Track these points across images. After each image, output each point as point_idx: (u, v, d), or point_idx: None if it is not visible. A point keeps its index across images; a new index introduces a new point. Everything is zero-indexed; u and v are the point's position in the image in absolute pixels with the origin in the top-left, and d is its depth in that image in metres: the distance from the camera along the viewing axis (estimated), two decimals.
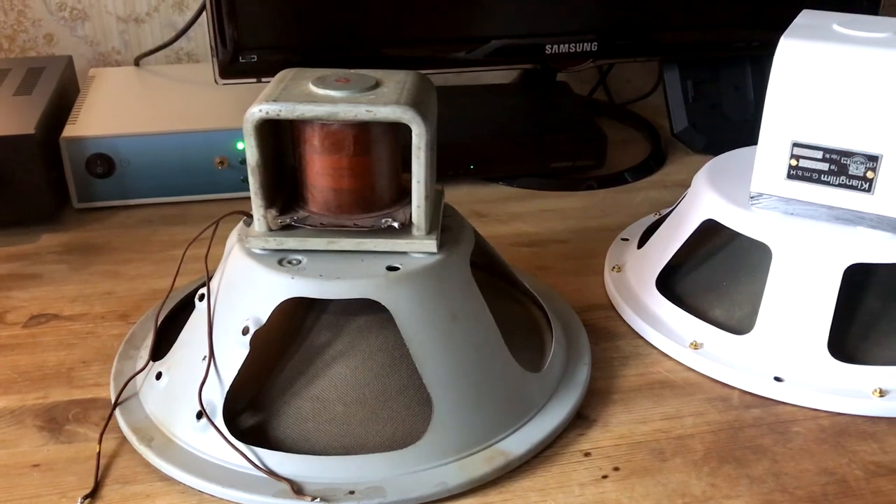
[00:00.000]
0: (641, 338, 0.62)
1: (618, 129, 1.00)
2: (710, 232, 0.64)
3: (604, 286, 0.68)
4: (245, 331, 0.48)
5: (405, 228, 0.51)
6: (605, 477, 0.49)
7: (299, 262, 0.50)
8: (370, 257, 0.50)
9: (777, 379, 0.56)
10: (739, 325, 0.60)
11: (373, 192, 0.52)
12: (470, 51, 0.86)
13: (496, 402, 0.51)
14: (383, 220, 0.51)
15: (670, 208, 0.73)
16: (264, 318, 0.48)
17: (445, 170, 0.84)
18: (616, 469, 0.50)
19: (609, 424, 0.53)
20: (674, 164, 0.92)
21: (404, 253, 0.51)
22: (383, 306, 0.49)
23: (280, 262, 0.50)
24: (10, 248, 0.73)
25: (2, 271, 0.70)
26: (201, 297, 0.53)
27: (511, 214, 0.81)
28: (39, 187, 0.75)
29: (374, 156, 0.51)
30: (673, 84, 0.94)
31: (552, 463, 0.50)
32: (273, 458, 0.47)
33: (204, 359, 0.50)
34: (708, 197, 0.63)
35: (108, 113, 0.83)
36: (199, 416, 0.49)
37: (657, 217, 0.76)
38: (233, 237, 0.53)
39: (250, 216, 0.52)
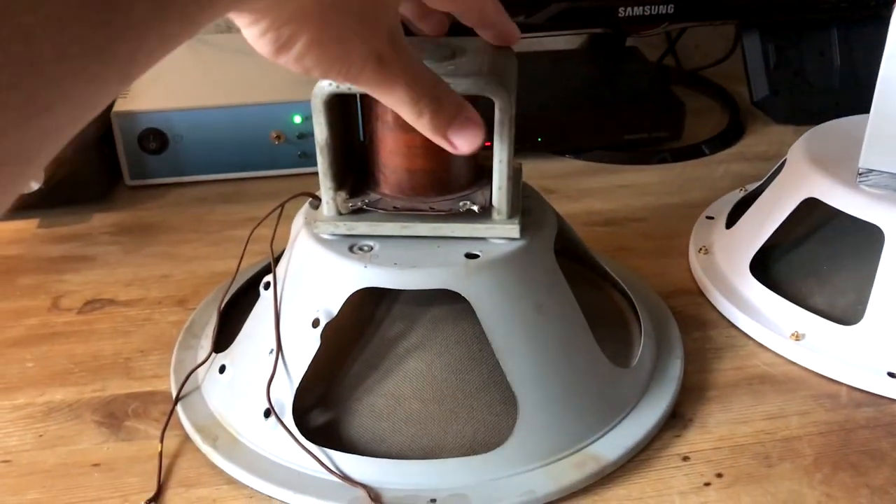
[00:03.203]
0: (735, 327, 0.57)
1: (691, 97, 0.93)
2: (807, 210, 0.58)
3: (689, 269, 0.63)
4: (315, 323, 0.45)
5: (484, 212, 0.47)
6: (707, 484, 0.45)
7: (371, 248, 0.46)
8: (447, 243, 0.46)
9: (891, 375, 0.51)
10: (844, 314, 0.55)
11: (449, 173, 0.48)
12: (530, 14, 0.81)
13: (586, 400, 0.47)
14: (461, 203, 0.47)
15: (757, 183, 0.68)
16: (335, 310, 0.45)
17: None
18: (719, 476, 0.46)
19: (707, 425, 0.49)
20: (754, 134, 0.86)
21: (484, 239, 0.47)
22: (459, 295, 0.45)
23: (351, 249, 0.46)
24: (63, 228, 0.71)
25: (55, 253, 0.67)
26: (266, 286, 0.49)
27: (582, 190, 0.76)
28: (91, 165, 0.72)
29: None
30: (753, 49, 0.88)
31: (648, 468, 0.46)
32: (347, 462, 0.44)
33: (271, 352, 0.46)
34: (808, 173, 0.57)
35: (160, 86, 0.80)
36: (267, 414, 0.45)
37: (744, 193, 0.70)
38: (298, 221, 0.49)
39: (317, 198, 0.48)
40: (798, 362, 0.54)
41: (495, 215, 0.46)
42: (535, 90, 0.84)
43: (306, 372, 0.45)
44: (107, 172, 0.75)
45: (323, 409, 0.47)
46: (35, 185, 0.68)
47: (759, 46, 0.88)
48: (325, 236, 0.47)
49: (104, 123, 0.73)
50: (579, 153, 0.82)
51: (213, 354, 0.51)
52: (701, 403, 0.51)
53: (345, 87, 0.43)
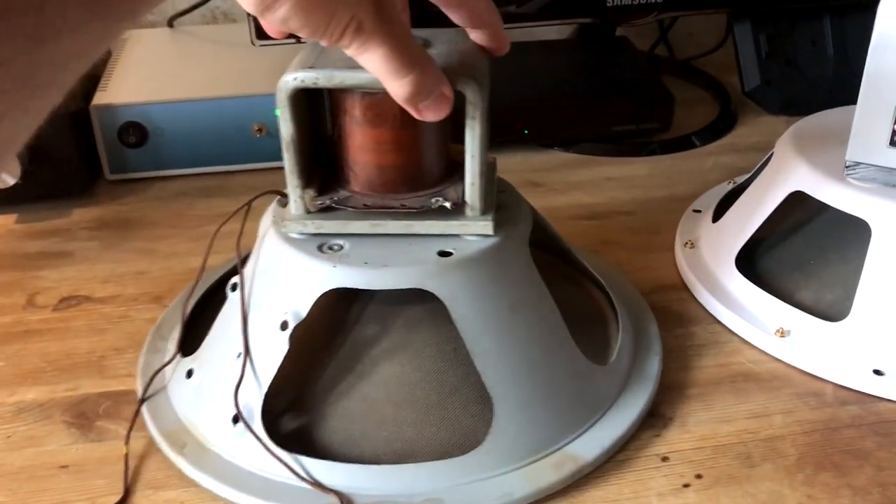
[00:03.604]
0: (719, 323, 0.56)
1: (682, 87, 0.92)
2: (794, 203, 0.57)
3: (675, 264, 0.62)
4: (284, 326, 0.44)
5: (457, 208, 0.46)
6: (686, 486, 0.44)
7: (341, 247, 0.45)
8: (419, 241, 0.45)
9: (877, 372, 0.50)
10: (830, 309, 0.54)
11: (421, 168, 0.46)
12: (520, 4, 0.79)
13: (562, 399, 0.46)
14: (433, 200, 0.46)
15: (746, 176, 0.67)
16: (304, 312, 0.44)
17: (496, 136, 0.77)
18: (698, 476, 0.45)
19: (687, 424, 0.48)
20: (745, 125, 0.85)
21: (457, 236, 0.46)
22: (433, 295, 0.44)
23: (320, 248, 0.45)
24: (42, 223, 0.70)
25: (33, 249, 0.66)
26: (234, 287, 0.48)
27: (569, 183, 0.75)
28: (70, 159, 0.71)
29: (421, 127, 0.45)
30: (744, 38, 0.87)
31: (626, 469, 0.45)
32: (319, 468, 0.43)
33: (239, 356, 0.45)
34: (795, 166, 0.56)
35: (141, 78, 0.79)
36: (236, 420, 0.44)
37: (732, 186, 0.69)
38: (266, 219, 0.48)
39: (285, 196, 0.47)
40: (783, 359, 0.53)
41: (468, 212, 0.45)
42: (521, 81, 0.83)
43: (275, 376, 0.44)
44: (87, 167, 0.74)
45: (294, 414, 0.46)
46: (10, 181, 0.67)
47: (751, 36, 0.86)
48: (294, 235, 0.46)
49: (83, 115, 0.72)
50: (567, 145, 0.80)
51: (179, 357, 0.50)
52: (682, 402, 0.50)
53: (310, 80, 0.42)
